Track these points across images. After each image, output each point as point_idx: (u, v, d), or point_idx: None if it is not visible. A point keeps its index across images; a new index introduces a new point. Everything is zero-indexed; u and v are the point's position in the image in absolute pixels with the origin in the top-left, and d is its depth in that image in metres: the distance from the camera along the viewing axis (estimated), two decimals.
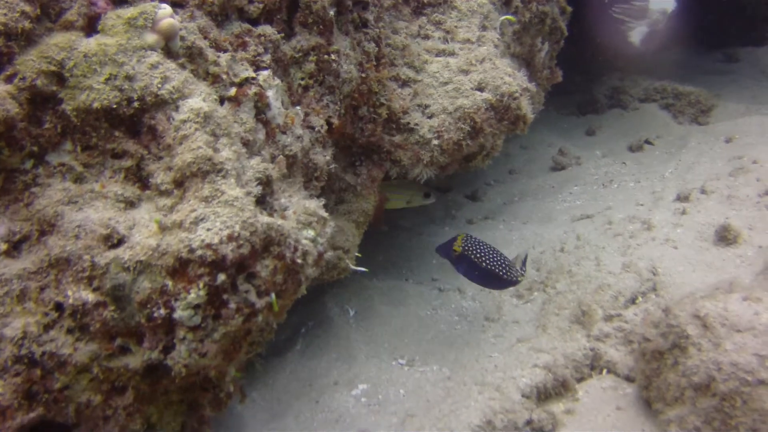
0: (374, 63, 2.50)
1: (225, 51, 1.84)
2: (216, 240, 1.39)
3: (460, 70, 2.75)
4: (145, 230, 1.46)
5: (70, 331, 1.42)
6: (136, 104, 1.56)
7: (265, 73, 1.88)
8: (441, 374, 2.65)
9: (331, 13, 2.18)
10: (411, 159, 2.67)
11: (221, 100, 1.72)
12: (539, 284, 3.18)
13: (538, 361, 2.46)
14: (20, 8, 1.50)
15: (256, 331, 1.56)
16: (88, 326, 1.42)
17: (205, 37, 1.79)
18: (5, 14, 1.48)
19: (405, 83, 2.71)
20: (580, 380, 2.44)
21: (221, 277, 1.41)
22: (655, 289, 2.80)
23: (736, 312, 1.94)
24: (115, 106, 1.54)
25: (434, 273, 3.50)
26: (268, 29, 2.00)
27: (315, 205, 1.77)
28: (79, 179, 1.55)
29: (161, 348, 1.44)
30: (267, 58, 1.96)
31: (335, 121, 2.24)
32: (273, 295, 1.52)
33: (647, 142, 4.93)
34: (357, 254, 2.64)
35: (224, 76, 1.75)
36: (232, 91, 1.75)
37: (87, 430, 1.51)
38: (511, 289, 3.14)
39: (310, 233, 1.67)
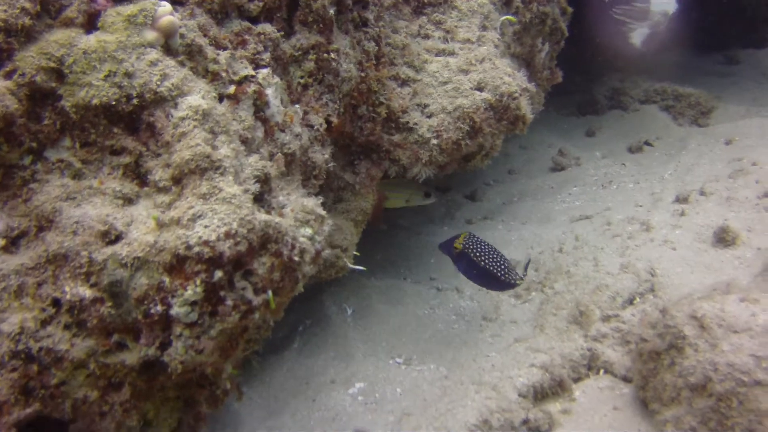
0: (374, 62, 2.51)
1: (224, 49, 1.84)
2: (213, 237, 1.40)
3: (460, 69, 2.75)
4: (142, 227, 1.46)
5: (67, 326, 1.43)
6: (135, 101, 1.56)
7: (265, 71, 1.88)
8: (438, 373, 2.65)
9: (331, 11, 2.18)
10: (410, 158, 2.68)
11: (220, 98, 1.73)
12: (537, 284, 3.18)
13: (536, 361, 2.46)
14: (20, 5, 1.51)
15: (253, 328, 1.57)
16: (85, 322, 1.43)
17: (205, 35, 1.80)
18: (5, 10, 1.49)
19: (404, 82, 2.71)
20: (577, 380, 2.45)
21: (218, 274, 1.41)
22: (653, 290, 2.80)
23: (733, 313, 1.94)
24: (114, 103, 1.54)
25: (432, 272, 3.50)
26: (267, 27, 2.00)
27: (313, 203, 1.77)
28: (77, 175, 1.55)
29: (158, 344, 1.44)
30: (266, 57, 1.96)
31: (334, 119, 2.24)
32: (270, 293, 1.52)
33: (647, 143, 4.93)
34: (355, 253, 2.65)
35: (223, 74, 1.75)
36: (231, 88, 1.76)
37: (83, 426, 1.52)
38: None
39: (308, 231, 1.68)
